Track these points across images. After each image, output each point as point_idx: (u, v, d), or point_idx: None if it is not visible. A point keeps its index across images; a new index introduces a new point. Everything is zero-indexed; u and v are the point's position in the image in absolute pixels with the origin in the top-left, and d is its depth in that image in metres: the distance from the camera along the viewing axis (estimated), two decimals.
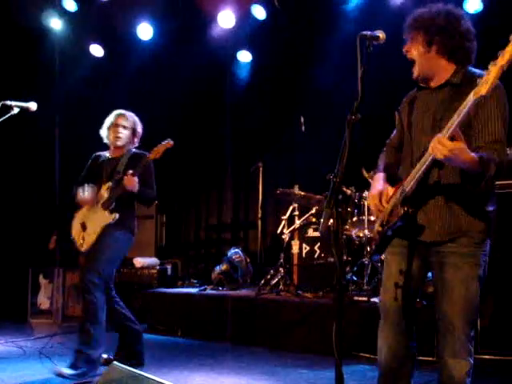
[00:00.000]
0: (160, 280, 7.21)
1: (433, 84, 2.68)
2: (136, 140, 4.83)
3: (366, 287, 5.50)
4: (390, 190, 2.67)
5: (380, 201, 2.68)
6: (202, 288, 6.73)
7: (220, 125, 8.40)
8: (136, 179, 4.40)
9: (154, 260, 7.40)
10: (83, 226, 4.59)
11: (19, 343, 5.56)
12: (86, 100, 8.07)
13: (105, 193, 4.58)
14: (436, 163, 2.41)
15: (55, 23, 7.90)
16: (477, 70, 2.60)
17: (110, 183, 4.59)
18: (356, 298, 5.29)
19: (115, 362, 2.62)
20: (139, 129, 4.83)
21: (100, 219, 4.49)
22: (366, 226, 5.62)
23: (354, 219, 5.85)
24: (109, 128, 4.73)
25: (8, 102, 4.15)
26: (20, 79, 7.80)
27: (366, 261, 5.60)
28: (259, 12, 7.29)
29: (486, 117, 2.46)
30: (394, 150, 2.95)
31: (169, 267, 7.45)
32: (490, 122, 2.46)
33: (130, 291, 7.10)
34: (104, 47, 8.22)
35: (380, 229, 2.67)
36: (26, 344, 5.47)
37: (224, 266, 6.90)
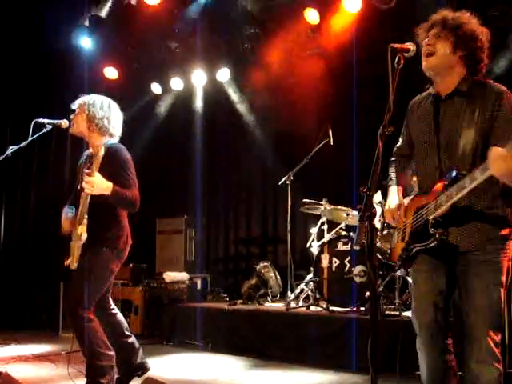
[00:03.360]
0: (190, 294, 7.23)
1: (442, 90, 2.70)
2: (96, 128, 4.03)
3: (397, 301, 5.43)
4: (407, 203, 2.81)
5: (399, 214, 2.81)
6: (232, 302, 6.72)
7: (247, 138, 8.44)
8: (96, 179, 3.70)
9: (183, 274, 7.43)
10: (72, 240, 4.01)
11: (50, 357, 5.61)
12: None
13: (80, 204, 3.90)
14: None
15: (85, 42, 8.05)
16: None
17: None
18: (387, 312, 5.23)
19: (149, 376, 2.62)
20: (94, 113, 4.03)
21: (77, 238, 3.88)
22: None
23: (385, 232, 5.78)
24: None
25: (41, 120, 4.23)
26: (51, 97, 7.95)
27: (396, 274, 5.53)
28: None
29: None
30: (404, 160, 3.03)
31: (198, 282, 7.47)
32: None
33: (160, 306, 7.14)
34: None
35: (403, 245, 2.75)
36: (57, 358, 5.51)
37: (253, 281, 6.90)
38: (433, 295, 2.67)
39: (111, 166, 3.87)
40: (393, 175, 3.02)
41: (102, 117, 4.05)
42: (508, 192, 2.54)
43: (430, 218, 2.56)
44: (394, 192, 2.93)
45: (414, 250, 2.66)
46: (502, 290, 2.53)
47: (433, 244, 2.55)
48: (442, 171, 2.63)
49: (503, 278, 2.54)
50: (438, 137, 2.66)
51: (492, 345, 2.48)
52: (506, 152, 2.18)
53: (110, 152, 3.92)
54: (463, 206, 2.52)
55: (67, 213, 4.05)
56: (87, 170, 3.76)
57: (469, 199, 2.52)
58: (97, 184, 3.71)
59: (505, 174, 2.24)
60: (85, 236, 3.83)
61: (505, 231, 2.57)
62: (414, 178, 3.00)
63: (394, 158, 3.08)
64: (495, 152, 2.23)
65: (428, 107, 2.77)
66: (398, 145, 3.08)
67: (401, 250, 2.76)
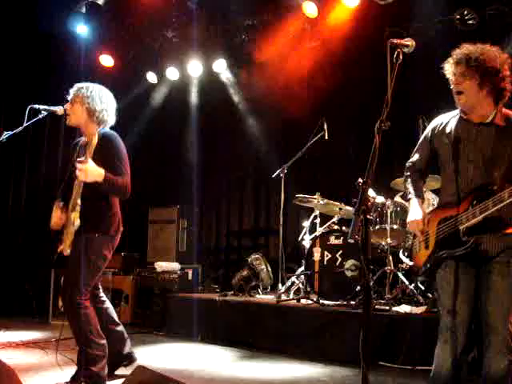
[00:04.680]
0: (181, 285, 7.22)
1: (475, 118, 2.89)
2: (96, 120, 4.05)
3: (387, 296, 5.45)
4: (429, 215, 3.03)
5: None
6: (223, 294, 6.74)
7: (242, 130, 8.44)
8: (89, 167, 3.70)
9: (175, 265, 7.43)
10: (65, 227, 4.03)
11: (40, 344, 5.61)
12: None
13: (74, 192, 3.91)
14: None
15: (81, 29, 8.01)
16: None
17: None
18: (378, 306, 5.25)
19: (140, 364, 2.62)
20: (95, 106, 4.03)
21: (70, 224, 3.88)
22: (388, 235, 5.59)
23: (377, 227, 5.81)
24: None
25: (36, 106, 4.21)
26: (46, 83, 7.91)
27: (387, 269, 5.56)
28: None
29: None
30: (419, 174, 3.21)
31: (190, 272, 7.47)
32: None
33: (151, 295, 7.14)
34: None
35: (428, 252, 2.97)
36: (47, 345, 5.51)
37: (245, 272, 6.91)
38: (462, 296, 2.83)
39: (104, 153, 3.87)
40: (411, 188, 3.18)
41: (102, 109, 4.07)
42: None
43: (462, 227, 2.77)
44: (416, 204, 3.11)
45: (444, 255, 2.86)
46: None
47: (464, 251, 2.76)
48: (474, 186, 2.81)
49: None
50: (474, 154, 2.85)
51: (507, 338, 2.69)
52: None
53: (104, 139, 3.92)
54: (492, 217, 2.71)
55: (58, 207, 4.06)
56: (81, 158, 3.76)
57: (497, 210, 2.69)
58: (90, 171, 3.72)
59: None
60: (78, 222, 3.82)
61: None
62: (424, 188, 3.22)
63: (408, 173, 3.23)
64: None
65: (462, 127, 2.93)
66: (412, 159, 3.23)
67: (426, 256, 2.97)
